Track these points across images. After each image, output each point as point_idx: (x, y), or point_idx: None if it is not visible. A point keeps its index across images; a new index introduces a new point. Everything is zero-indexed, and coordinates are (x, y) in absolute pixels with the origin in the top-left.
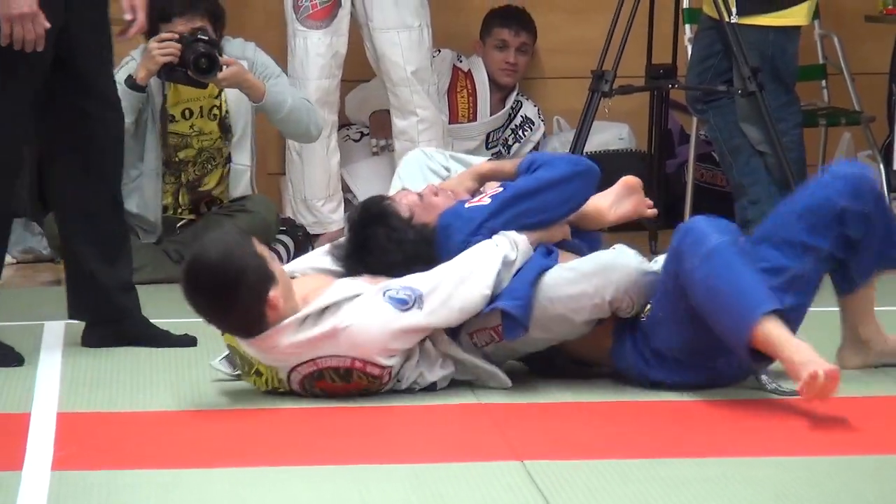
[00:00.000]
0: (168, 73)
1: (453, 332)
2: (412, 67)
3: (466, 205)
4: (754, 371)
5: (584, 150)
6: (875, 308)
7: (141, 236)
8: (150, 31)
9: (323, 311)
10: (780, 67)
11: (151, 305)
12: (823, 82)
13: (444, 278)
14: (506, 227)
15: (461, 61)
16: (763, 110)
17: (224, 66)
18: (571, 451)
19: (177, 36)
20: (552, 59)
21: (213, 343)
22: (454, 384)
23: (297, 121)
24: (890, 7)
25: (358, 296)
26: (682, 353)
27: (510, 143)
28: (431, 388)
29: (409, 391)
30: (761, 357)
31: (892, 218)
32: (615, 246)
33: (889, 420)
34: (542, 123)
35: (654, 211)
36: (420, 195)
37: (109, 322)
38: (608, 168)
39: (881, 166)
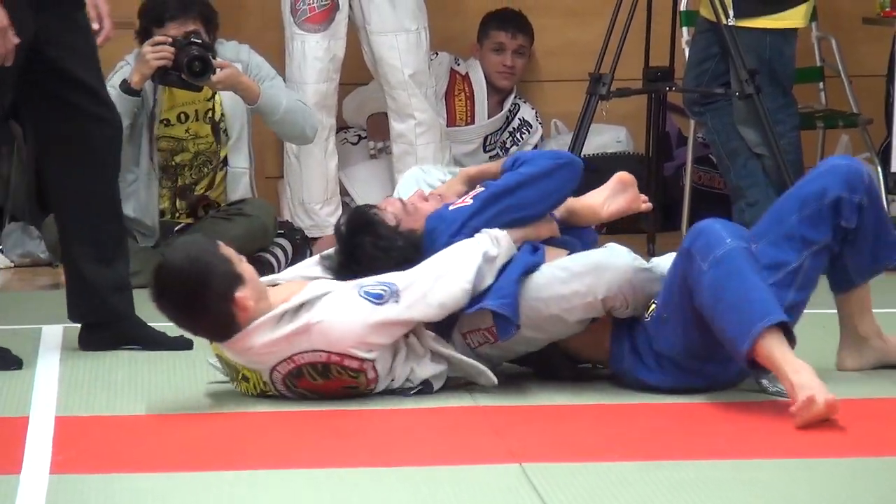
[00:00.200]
0: (162, 76)
1: (445, 332)
2: (410, 70)
3: (450, 207)
4: (755, 377)
5: (582, 153)
6: (874, 310)
7: (139, 240)
8: (144, 35)
9: (298, 309)
10: (777, 70)
11: (148, 309)
12: (821, 84)
13: (422, 273)
14: (488, 225)
15: (458, 64)
16: (760, 113)
17: (218, 69)
18: (569, 453)
19: (170, 40)
20: (549, 61)
21: (198, 350)
22: (451, 388)
23: (292, 122)
24: (887, 9)
25: (332, 292)
26: (683, 356)
27: (508, 146)
28: (428, 389)
29: (405, 393)
30: (759, 365)
31: (884, 211)
32: (607, 244)
33: (889, 422)
34: (539, 126)
35: (648, 205)
36: (404, 202)
37: (105, 324)
38: (606, 171)
39: (879, 168)
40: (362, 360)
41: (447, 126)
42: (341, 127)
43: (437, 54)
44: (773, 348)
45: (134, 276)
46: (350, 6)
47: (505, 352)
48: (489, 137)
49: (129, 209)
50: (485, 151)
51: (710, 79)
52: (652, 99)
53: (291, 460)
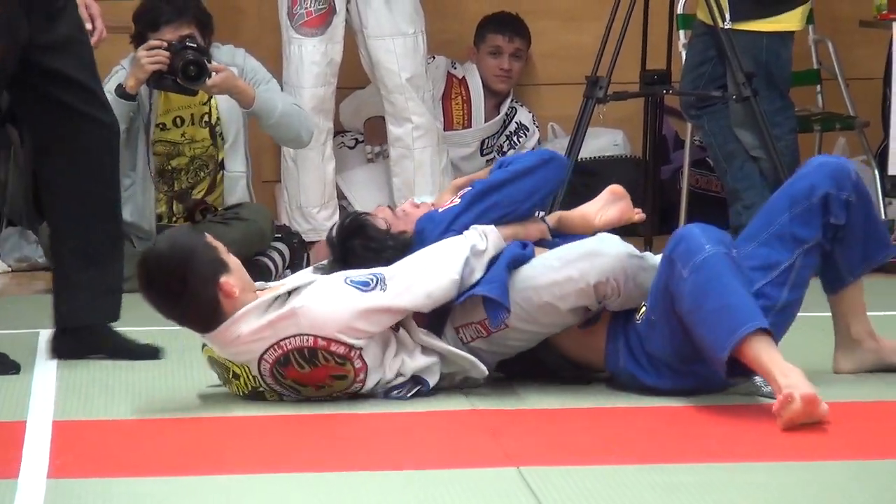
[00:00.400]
0: (157, 81)
1: (437, 327)
2: (407, 74)
3: (440, 209)
4: (733, 384)
5: (579, 157)
6: (869, 312)
7: (135, 244)
8: (139, 40)
9: (287, 296)
10: (774, 73)
11: (145, 313)
12: (818, 87)
13: (410, 264)
14: (476, 222)
15: (455, 68)
16: (757, 116)
17: (213, 73)
18: (566, 456)
19: (165, 44)
20: (546, 65)
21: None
22: (447, 391)
23: (287, 126)
24: (884, 12)
25: (317, 280)
26: (674, 358)
27: (505, 149)
28: (425, 388)
29: (401, 396)
30: (738, 372)
31: (873, 208)
32: (599, 234)
33: (883, 425)
34: (536, 130)
35: (641, 216)
36: (394, 209)
37: (83, 329)
38: (603, 174)
39: (876, 171)
40: (350, 346)
41: (444, 130)
42: (338, 131)
43: (433, 58)
44: (761, 352)
45: (129, 280)
46: (347, 10)
47: (498, 347)
48: (486, 141)
49: (125, 213)
50: (482, 155)
51: (706, 82)
52: (649, 102)
53: (287, 464)
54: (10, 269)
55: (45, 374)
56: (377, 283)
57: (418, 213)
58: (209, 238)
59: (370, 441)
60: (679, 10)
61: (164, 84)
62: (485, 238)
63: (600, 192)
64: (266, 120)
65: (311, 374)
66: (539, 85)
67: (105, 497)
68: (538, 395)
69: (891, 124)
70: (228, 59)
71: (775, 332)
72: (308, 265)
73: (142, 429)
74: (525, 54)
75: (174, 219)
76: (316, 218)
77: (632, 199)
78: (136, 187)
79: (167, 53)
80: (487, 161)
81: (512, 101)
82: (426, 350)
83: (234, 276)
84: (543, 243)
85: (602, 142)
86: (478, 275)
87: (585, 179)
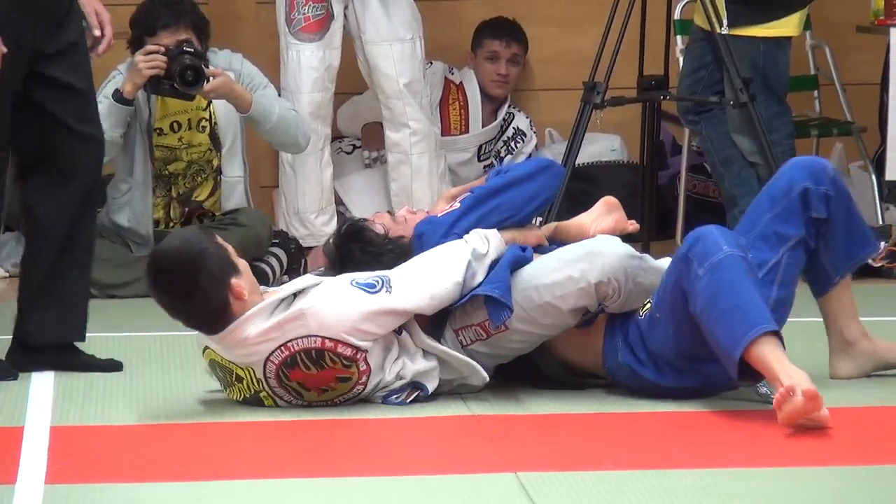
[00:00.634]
0: (155, 85)
1: (437, 330)
2: (405, 80)
3: (439, 213)
4: (752, 388)
5: (576, 162)
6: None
7: (133, 249)
8: (136, 45)
9: (293, 298)
10: (771, 78)
11: (142, 319)
12: (815, 93)
13: (414, 267)
14: (476, 226)
15: (453, 73)
16: (755, 121)
17: (210, 78)
18: (565, 462)
19: (162, 49)
20: (544, 70)
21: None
22: (445, 396)
23: (284, 131)
24: (881, 17)
25: (323, 282)
26: (674, 355)
27: (502, 155)
28: (423, 392)
29: (400, 402)
30: (749, 374)
31: (854, 204)
32: (599, 236)
33: (882, 430)
34: (533, 135)
35: (635, 226)
36: (393, 215)
37: (35, 347)
38: (600, 179)
39: (873, 177)
40: (356, 348)
41: (442, 135)
42: (336, 136)
43: (431, 63)
44: (768, 354)
45: (128, 285)
46: (345, 16)
47: (497, 350)
48: (484, 146)
49: (123, 219)
50: (479, 161)
51: (704, 87)
52: (646, 107)
53: (285, 469)
54: (7, 275)
55: (43, 379)
56: (383, 284)
57: (416, 219)
58: (219, 239)
59: (368, 446)
60: (676, 15)
61: (161, 89)
62: (486, 241)
63: (598, 197)
64: (263, 125)
65: (317, 375)
66: (536, 90)
67: (102, 502)
68: (536, 401)
69: (888, 129)
70: (225, 63)
71: None
72: (305, 271)
73: (139, 434)
74: (522, 60)
75: (172, 224)
76: (313, 223)
77: (629, 204)
78: (133, 192)
79: (164, 58)
80: (485, 167)
81: (509, 106)
82: (427, 354)
83: (244, 279)
84: (540, 250)
85: (599, 147)
86: (480, 277)
87: (583, 185)
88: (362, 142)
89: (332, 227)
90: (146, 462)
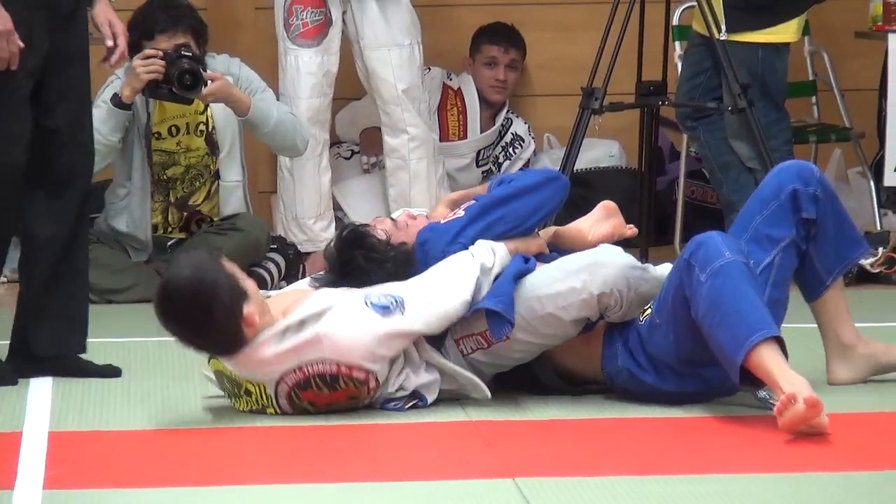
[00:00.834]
0: (153, 90)
1: (437, 340)
2: (403, 85)
3: (442, 220)
4: (751, 393)
5: (575, 168)
6: (859, 324)
7: (131, 255)
8: (134, 49)
9: (304, 322)
10: (769, 84)
11: (140, 325)
12: (813, 99)
13: (424, 285)
14: (481, 235)
15: (451, 79)
16: (753, 127)
17: (209, 82)
18: (563, 468)
19: (160, 53)
20: (542, 76)
21: (191, 364)
22: (444, 402)
23: (283, 134)
24: (879, 23)
25: (337, 304)
26: (674, 360)
27: (500, 160)
28: (422, 402)
29: (399, 408)
30: (751, 380)
31: (842, 206)
32: (601, 245)
33: (880, 436)
34: (532, 141)
35: (633, 231)
36: (395, 220)
37: (26, 355)
38: (598, 185)
39: (872, 182)
40: (369, 371)
41: (440, 141)
42: (334, 142)
43: (429, 69)
44: (769, 360)
45: (127, 290)
46: (343, 21)
47: (497, 359)
48: (482, 152)
49: (121, 224)
50: (477, 166)
51: (702, 93)
52: (644, 113)
53: (284, 475)
54: (5, 280)
55: (42, 384)
56: (397, 306)
57: (419, 225)
58: (228, 264)
59: (367, 452)
60: (675, 21)
61: (159, 93)
62: (493, 254)
63: (596, 202)
64: (261, 129)
65: (329, 395)
66: (535, 96)
67: None
68: (535, 406)
69: (886, 135)
70: (223, 68)
71: None
72: (304, 276)
73: (137, 440)
74: (521, 65)
75: (170, 229)
76: (312, 229)
77: (628, 210)
78: (131, 197)
79: (162, 62)
80: (483, 172)
81: (507, 112)
82: (429, 367)
83: (254, 303)
84: (541, 258)
85: (598, 153)
86: (485, 290)
87: (581, 190)
88: (361, 147)
89: (331, 232)
90: (144, 467)
